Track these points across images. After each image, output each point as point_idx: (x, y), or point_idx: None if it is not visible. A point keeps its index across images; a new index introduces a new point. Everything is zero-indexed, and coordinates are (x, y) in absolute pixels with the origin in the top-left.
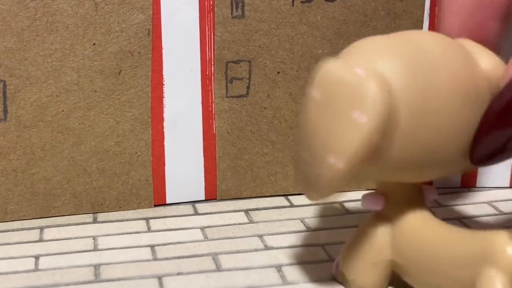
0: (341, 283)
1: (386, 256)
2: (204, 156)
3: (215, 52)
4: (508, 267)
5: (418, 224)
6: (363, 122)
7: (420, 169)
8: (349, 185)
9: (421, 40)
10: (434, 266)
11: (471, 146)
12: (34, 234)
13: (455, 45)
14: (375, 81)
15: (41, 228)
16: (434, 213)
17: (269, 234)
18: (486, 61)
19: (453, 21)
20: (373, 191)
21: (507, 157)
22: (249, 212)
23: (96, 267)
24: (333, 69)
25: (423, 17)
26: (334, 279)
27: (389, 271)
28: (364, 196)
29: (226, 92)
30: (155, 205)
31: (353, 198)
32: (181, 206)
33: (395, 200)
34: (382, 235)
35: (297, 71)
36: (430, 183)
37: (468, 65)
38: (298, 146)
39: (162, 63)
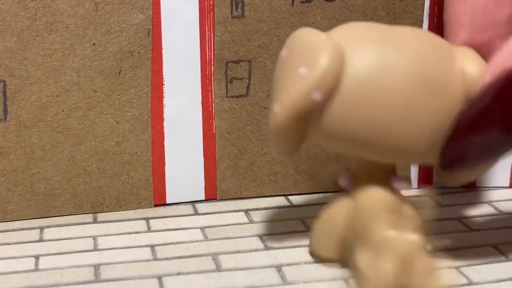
0: (312, 255)
1: (341, 228)
2: (204, 156)
3: (215, 52)
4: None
5: (372, 199)
6: (305, 75)
7: (368, 145)
8: (293, 142)
9: (400, 28)
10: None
11: (440, 150)
12: (34, 234)
13: (437, 41)
14: (328, 43)
15: (41, 228)
16: (404, 199)
17: (269, 234)
18: (474, 67)
19: (460, 37)
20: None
21: (475, 164)
22: (249, 212)
23: (96, 267)
24: (301, 33)
25: (423, 16)
26: (334, 279)
27: (347, 242)
28: (340, 176)
29: (226, 92)
30: (155, 205)
31: None
32: (181, 206)
33: (361, 179)
34: (340, 207)
35: None
36: (430, 183)
37: (444, 59)
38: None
39: (162, 63)
